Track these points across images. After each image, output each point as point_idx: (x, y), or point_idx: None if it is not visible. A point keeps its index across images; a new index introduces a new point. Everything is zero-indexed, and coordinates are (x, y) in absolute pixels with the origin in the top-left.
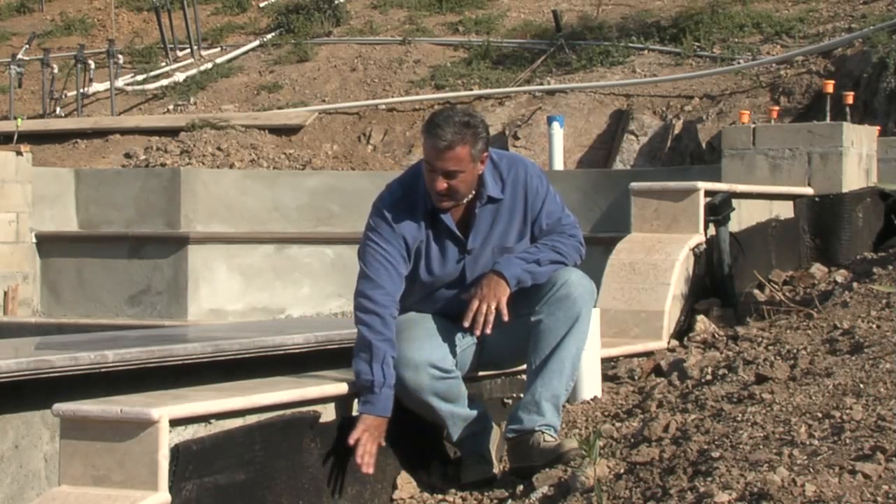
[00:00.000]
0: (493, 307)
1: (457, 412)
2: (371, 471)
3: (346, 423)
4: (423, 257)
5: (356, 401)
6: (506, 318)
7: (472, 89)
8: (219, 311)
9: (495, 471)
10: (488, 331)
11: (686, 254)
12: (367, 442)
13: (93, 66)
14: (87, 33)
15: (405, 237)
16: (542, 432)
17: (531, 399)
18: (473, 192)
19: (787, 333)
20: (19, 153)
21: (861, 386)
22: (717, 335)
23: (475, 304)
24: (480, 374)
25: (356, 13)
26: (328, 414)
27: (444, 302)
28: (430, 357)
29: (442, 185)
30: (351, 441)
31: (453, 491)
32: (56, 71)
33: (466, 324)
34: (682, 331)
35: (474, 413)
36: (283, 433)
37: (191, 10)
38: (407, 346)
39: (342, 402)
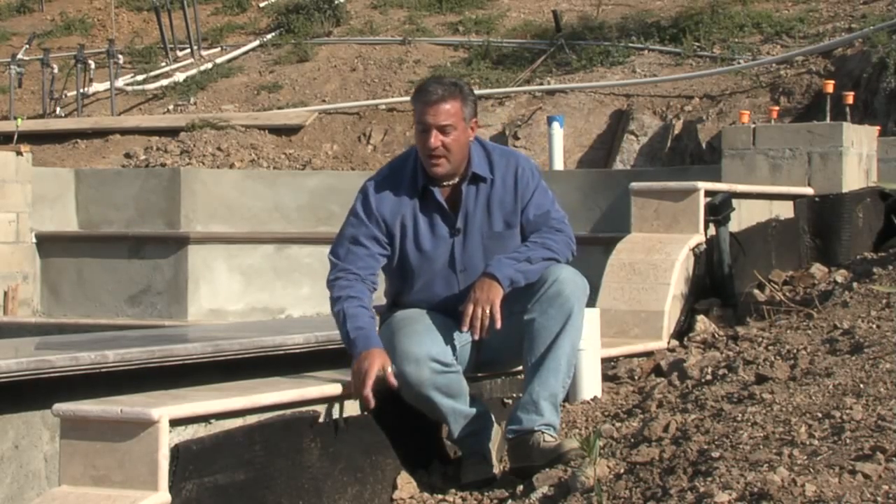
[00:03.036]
0: (487, 310)
1: (458, 408)
2: (370, 400)
3: (346, 422)
4: (410, 234)
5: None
6: (498, 325)
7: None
8: (219, 312)
9: (495, 471)
10: (485, 334)
11: (686, 254)
12: (362, 374)
13: (93, 66)
14: (87, 33)
15: (384, 217)
16: (542, 432)
17: (529, 399)
18: (463, 170)
19: (787, 333)
20: (19, 153)
21: (861, 386)
22: (717, 335)
23: (470, 308)
24: (481, 374)
25: (356, 13)
26: (328, 414)
27: (438, 297)
28: (431, 351)
29: (436, 140)
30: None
31: (453, 491)
32: (56, 71)
33: (464, 329)
34: (682, 331)
35: (475, 411)
36: (283, 433)
37: (191, 10)
38: (407, 341)
39: (342, 403)
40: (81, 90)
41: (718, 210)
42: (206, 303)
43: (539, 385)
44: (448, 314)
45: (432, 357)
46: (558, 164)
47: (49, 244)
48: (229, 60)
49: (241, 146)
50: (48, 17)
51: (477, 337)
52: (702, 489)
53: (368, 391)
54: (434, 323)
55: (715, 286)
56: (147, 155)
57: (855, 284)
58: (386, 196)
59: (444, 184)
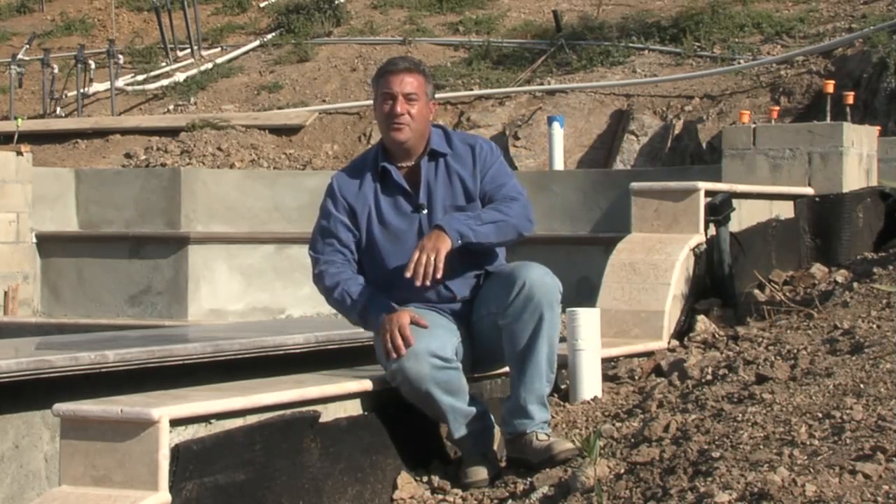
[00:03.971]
0: (432, 258)
1: (458, 407)
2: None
3: (349, 421)
4: (374, 216)
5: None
6: (439, 275)
7: (472, 89)
8: (219, 312)
9: (496, 471)
10: (428, 282)
11: (686, 254)
12: (396, 329)
13: (93, 66)
14: (88, 33)
15: (348, 200)
16: (536, 432)
17: (517, 405)
18: (422, 148)
19: (788, 333)
20: (19, 153)
21: (861, 386)
22: (717, 335)
23: (416, 254)
24: (480, 374)
25: (356, 13)
26: (328, 414)
27: (418, 288)
28: (430, 346)
29: (403, 108)
30: (387, 345)
31: (453, 491)
32: (56, 71)
33: (408, 274)
34: (683, 331)
35: (475, 410)
36: (283, 433)
37: (191, 10)
38: None
39: (342, 402)
40: (81, 90)
41: (719, 210)
42: (207, 303)
43: (525, 391)
44: (444, 310)
45: (432, 352)
46: (558, 164)
47: (49, 244)
48: (229, 60)
49: (241, 146)
50: (48, 17)
51: (419, 283)
52: (702, 489)
53: (410, 337)
54: (431, 320)
55: (715, 286)
56: (147, 155)
57: (855, 284)
58: (349, 182)
59: (401, 165)
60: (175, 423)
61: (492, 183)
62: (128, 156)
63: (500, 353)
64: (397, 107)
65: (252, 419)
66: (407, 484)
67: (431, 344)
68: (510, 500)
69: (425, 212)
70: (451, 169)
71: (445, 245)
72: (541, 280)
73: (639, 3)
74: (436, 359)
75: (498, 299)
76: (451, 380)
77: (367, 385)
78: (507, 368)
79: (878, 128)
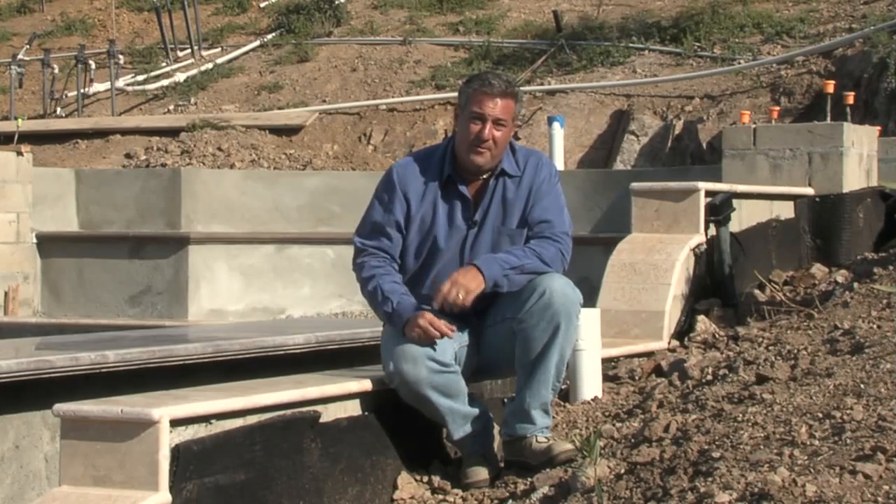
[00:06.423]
0: (460, 297)
1: (456, 408)
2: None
3: (348, 421)
4: (428, 220)
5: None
6: (467, 305)
7: None
8: (219, 312)
9: (496, 471)
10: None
11: (687, 254)
12: (429, 323)
13: (93, 66)
14: (88, 33)
15: (408, 195)
16: (535, 435)
17: (521, 408)
18: (492, 167)
19: (788, 334)
20: (20, 153)
21: (862, 386)
22: (717, 335)
23: (446, 286)
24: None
25: (356, 13)
26: (328, 414)
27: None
28: (429, 350)
29: (491, 132)
30: (429, 331)
31: (454, 491)
32: (56, 71)
33: (436, 305)
34: (683, 331)
35: (475, 411)
36: (283, 433)
37: (191, 11)
38: (405, 340)
39: (342, 402)
40: (82, 90)
41: (719, 210)
42: (207, 303)
43: (530, 396)
44: (450, 315)
45: (430, 356)
46: (559, 165)
47: (49, 244)
48: (230, 60)
49: (241, 146)
50: (49, 17)
51: (437, 307)
52: (702, 489)
53: (444, 328)
54: None
55: (715, 286)
56: (147, 155)
57: (855, 284)
58: (411, 177)
59: (469, 178)
60: (175, 423)
61: (542, 214)
62: (128, 156)
63: (505, 362)
64: (485, 131)
65: (252, 419)
66: (407, 484)
67: (430, 348)
68: (510, 500)
69: (475, 229)
70: (508, 193)
71: (478, 287)
72: (562, 290)
73: (639, 3)
74: (433, 363)
75: (515, 305)
76: (448, 383)
77: (367, 385)
78: (507, 374)
79: (879, 128)
